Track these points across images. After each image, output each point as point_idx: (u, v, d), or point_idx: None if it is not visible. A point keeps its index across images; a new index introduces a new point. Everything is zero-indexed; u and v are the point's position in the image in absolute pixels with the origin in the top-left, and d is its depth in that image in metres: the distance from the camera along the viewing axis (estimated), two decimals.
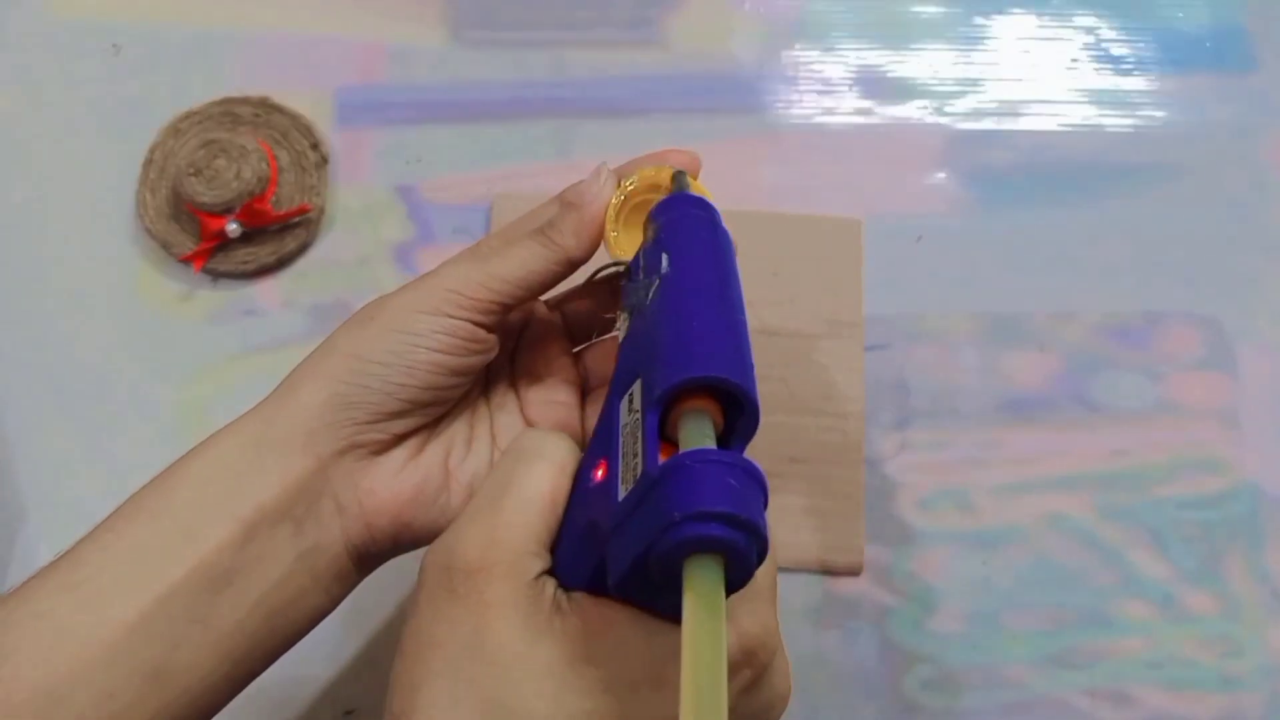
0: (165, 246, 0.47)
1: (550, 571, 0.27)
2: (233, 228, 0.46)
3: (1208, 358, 0.46)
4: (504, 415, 0.33)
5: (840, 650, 0.42)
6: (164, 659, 0.27)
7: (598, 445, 0.27)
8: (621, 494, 0.24)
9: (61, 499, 0.45)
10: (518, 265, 0.30)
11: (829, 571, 0.43)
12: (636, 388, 0.26)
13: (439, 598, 0.26)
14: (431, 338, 0.29)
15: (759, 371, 0.44)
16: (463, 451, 0.32)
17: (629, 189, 0.31)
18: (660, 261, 0.28)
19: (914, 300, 0.47)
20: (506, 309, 0.30)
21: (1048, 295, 0.47)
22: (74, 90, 0.51)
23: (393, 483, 0.31)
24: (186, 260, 0.47)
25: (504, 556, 0.26)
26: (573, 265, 0.31)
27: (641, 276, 0.29)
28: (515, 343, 0.34)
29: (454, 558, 0.26)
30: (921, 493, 0.44)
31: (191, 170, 0.46)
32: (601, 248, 0.31)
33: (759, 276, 0.47)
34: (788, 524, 0.43)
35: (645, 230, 0.30)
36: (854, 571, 0.43)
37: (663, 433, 0.24)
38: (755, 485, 0.22)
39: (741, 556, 0.21)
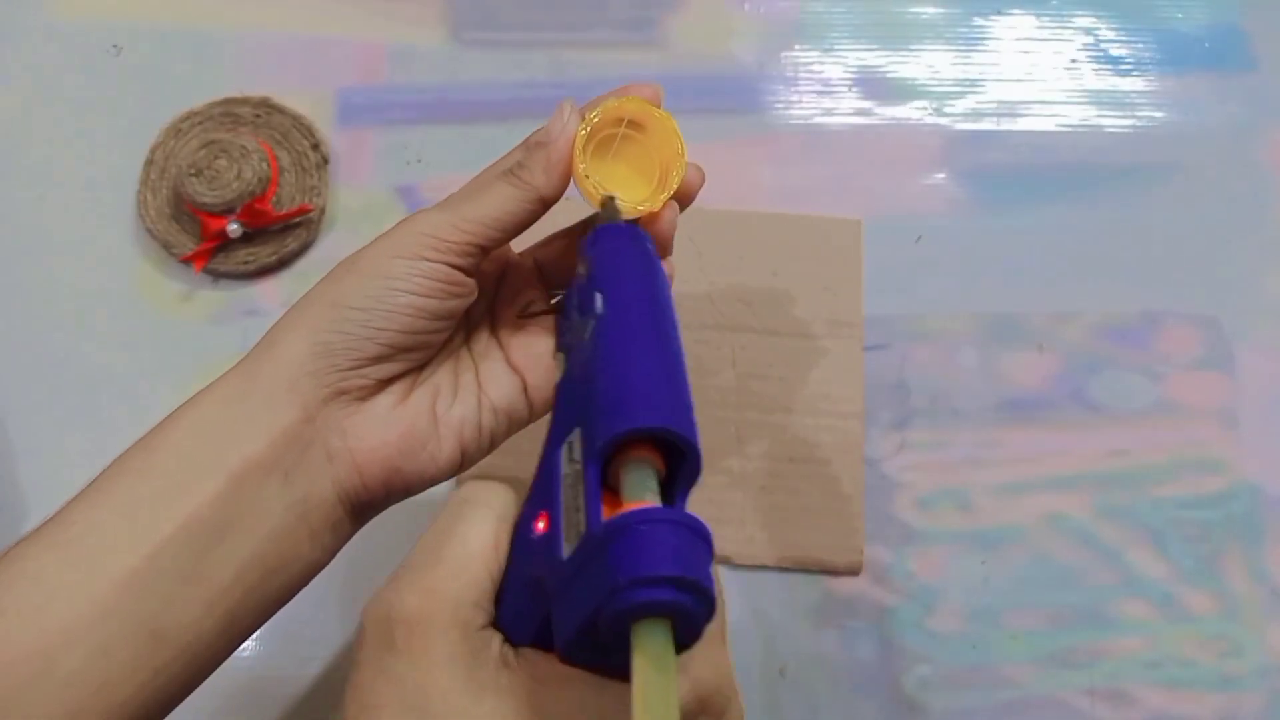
0: (166, 247, 0.48)
1: (494, 624, 0.26)
2: (234, 228, 0.46)
3: (1206, 358, 0.47)
4: (489, 364, 0.33)
5: (840, 649, 0.42)
6: (157, 616, 0.27)
7: (538, 495, 0.26)
8: (565, 550, 0.23)
9: (63, 499, 0.45)
10: (491, 207, 0.30)
11: (828, 571, 0.43)
12: (576, 437, 0.25)
13: (379, 652, 0.25)
14: (409, 281, 0.29)
15: (759, 371, 0.45)
16: (449, 398, 0.32)
17: (594, 122, 0.30)
18: (594, 301, 0.27)
19: (913, 300, 0.47)
20: (483, 251, 0.30)
21: (1047, 295, 0.47)
22: (75, 91, 0.51)
23: (381, 428, 0.30)
24: (187, 260, 0.47)
25: (445, 607, 0.25)
26: (545, 204, 0.31)
27: (576, 316, 0.28)
28: (494, 292, 0.34)
29: (393, 609, 0.25)
30: (921, 492, 0.44)
31: (192, 170, 0.46)
32: (573, 185, 0.31)
33: (759, 276, 0.47)
34: (787, 524, 0.43)
35: (578, 263, 0.30)
36: (854, 571, 0.43)
37: (605, 480, 0.24)
38: (701, 542, 0.22)
39: (690, 617, 0.21)
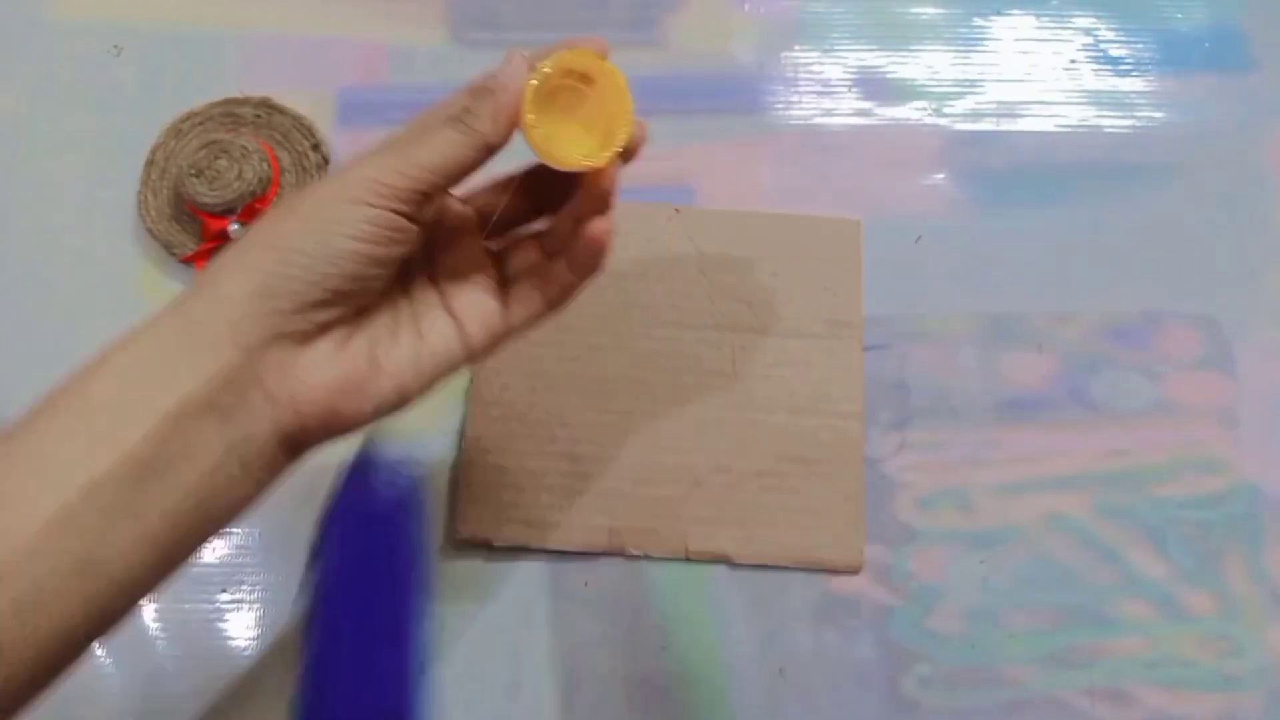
0: (167, 247, 0.48)
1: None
2: (234, 228, 0.46)
3: (1206, 357, 0.47)
4: (428, 309, 0.33)
5: (840, 649, 0.42)
6: (91, 550, 0.27)
7: None
8: None
9: None
10: (437, 153, 0.30)
11: (828, 570, 0.43)
12: None
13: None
14: (354, 226, 0.29)
15: (760, 371, 0.45)
16: (388, 343, 0.32)
17: (545, 72, 0.30)
18: (316, 583, 0.28)
19: (913, 300, 0.47)
20: (427, 198, 0.30)
21: (1046, 295, 0.47)
22: (75, 91, 0.51)
23: (321, 372, 0.31)
24: (188, 261, 0.47)
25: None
26: (490, 151, 0.30)
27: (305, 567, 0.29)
28: (432, 237, 0.34)
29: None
30: (921, 492, 0.45)
31: (193, 171, 0.46)
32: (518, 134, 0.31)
33: (759, 276, 0.47)
34: (787, 523, 0.43)
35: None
36: (853, 570, 0.43)
37: None
38: None
39: None
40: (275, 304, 0.29)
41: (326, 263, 0.29)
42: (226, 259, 0.30)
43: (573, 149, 0.31)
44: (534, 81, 0.30)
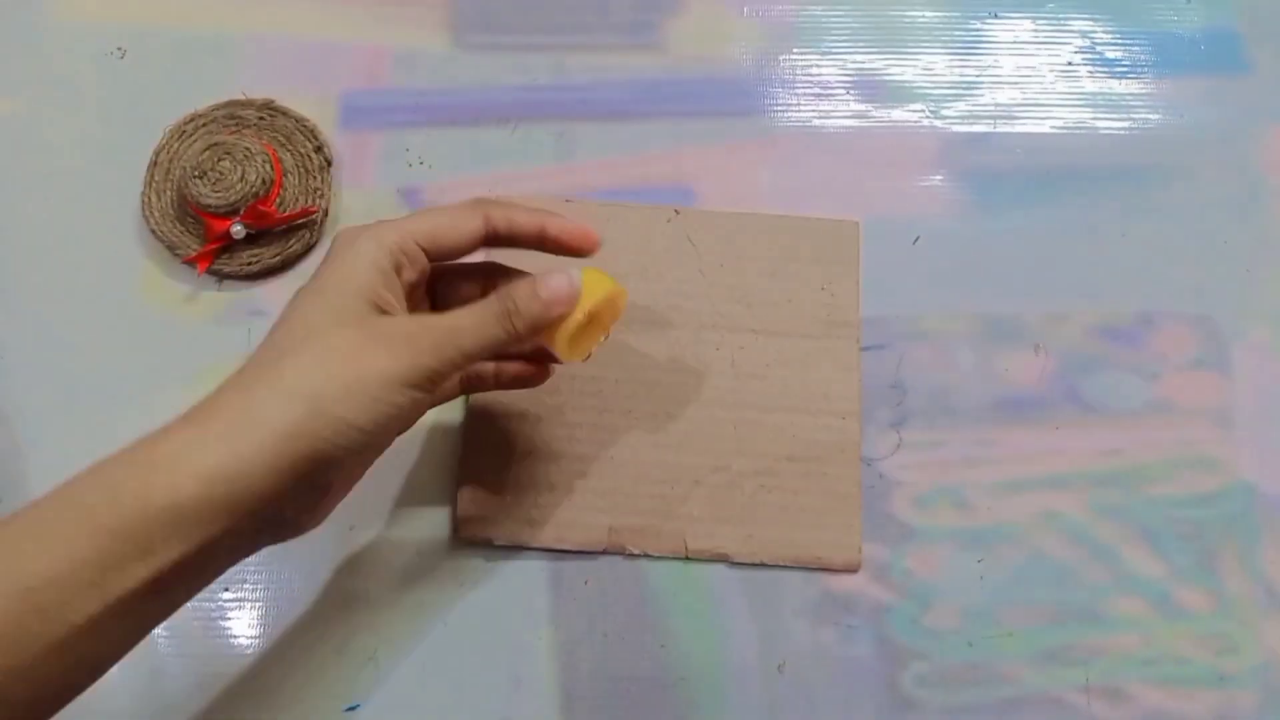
0: (170, 248, 0.48)
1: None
2: (237, 229, 0.47)
3: (1201, 357, 0.47)
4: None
5: (837, 647, 0.43)
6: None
7: None
8: None
9: None
10: (473, 339, 0.33)
11: (826, 569, 0.43)
12: None
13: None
14: (390, 406, 0.32)
15: (759, 371, 0.45)
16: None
17: (590, 310, 0.36)
18: None
19: (911, 301, 0.48)
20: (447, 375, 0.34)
21: (1043, 296, 0.48)
22: (79, 93, 0.51)
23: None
24: (191, 262, 0.47)
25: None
26: (517, 343, 0.35)
27: None
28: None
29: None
30: (918, 491, 0.45)
31: (196, 172, 0.47)
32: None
33: (757, 277, 0.47)
34: (785, 522, 0.44)
35: None
36: (851, 569, 0.44)
37: None
38: None
39: None
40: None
41: (374, 452, 0.34)
42: (268, 396, 0.31)
43: (578, 351, 0.37)
44: (580, 318, 0.35)
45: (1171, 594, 0.44)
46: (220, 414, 0.31)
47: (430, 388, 0.33)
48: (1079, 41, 0.53)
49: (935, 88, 0.52)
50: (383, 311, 0.33)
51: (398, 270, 0.34)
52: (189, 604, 0.32)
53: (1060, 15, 0.53)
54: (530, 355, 0.40)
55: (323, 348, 0.31)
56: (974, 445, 0.45)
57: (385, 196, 0.49)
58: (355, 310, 0.33)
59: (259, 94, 0.50)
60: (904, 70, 0.52)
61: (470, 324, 0.33)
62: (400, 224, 0.34)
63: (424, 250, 0.35)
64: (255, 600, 0.43)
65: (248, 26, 0.52)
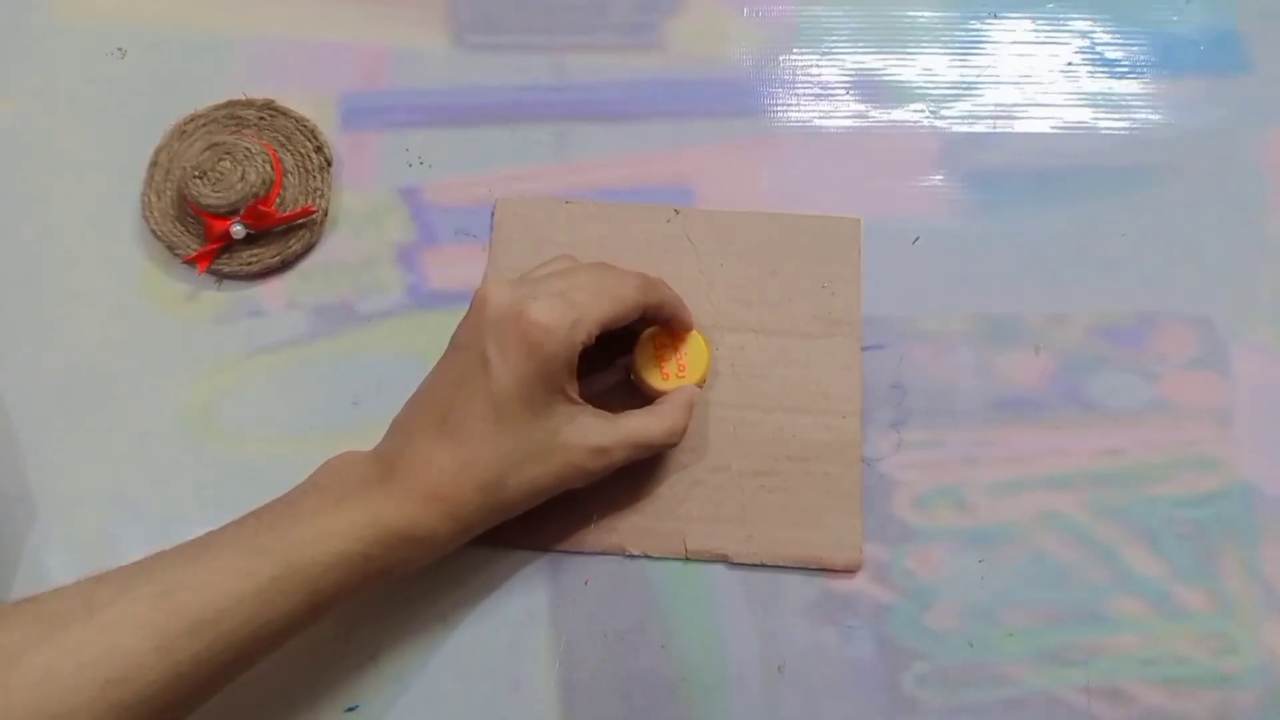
0: (170, 248, 0.48)
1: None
2: (237, 229, 0.47)
3: (1201, 357, 0.47)
4: None
5: (838, 647, 0.43)
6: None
7: None
8: None
9: (69, 499, 0.45)
10: (657, 440, 0.41)
11: (826, 569, 0.43)
12: None
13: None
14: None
15: (759, 370, 0.45)
16: None
17: (700, 379, 0.44)
18: None
19: (911, 301, 0.48)
20: None
21: (1043, 296, 0.48)
22: (79, 93, 0.51)
23: None
24: (191, 262, 0.47)
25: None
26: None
27: None
28: None
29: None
30: (918, 491, 0.45)
31: (197, 173, 0.47)
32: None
33: (758, 276, 0.47)
34: (785, 522, 0.44)
35: None
36: (851, 569, 0.44)
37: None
38: None
39: None
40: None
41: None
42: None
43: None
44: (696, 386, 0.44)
45: (1171, 594, 0.44)
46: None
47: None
48: (1079, 41, 0.53)
49: (935, 88, 0.52)
50: (569, 400, 0.38)
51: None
52: None
53: (1060, 15, 0.53)
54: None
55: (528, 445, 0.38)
56: (974, 445, 0.45)
57: (385, 196, 0.49)
58: (548, 403, 0.38)
59: (259, 94, 0.50)
60: (904, 70, 0.52)
61: (657, 430, 0.40)
62: (593, 315, 0.38)
63: None
64: None
65: (248, 26, 0.52)
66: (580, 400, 0.39)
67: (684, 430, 0.41)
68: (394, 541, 0.36)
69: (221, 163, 0.47)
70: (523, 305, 0.37)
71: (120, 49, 0.52)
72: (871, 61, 0.52)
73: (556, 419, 0.38)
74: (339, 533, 0.35)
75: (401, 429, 0.39)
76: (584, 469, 0.39)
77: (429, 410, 0.38)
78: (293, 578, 0.34)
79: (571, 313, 0.37)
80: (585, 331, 0.37)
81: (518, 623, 0.43)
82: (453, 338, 0.40)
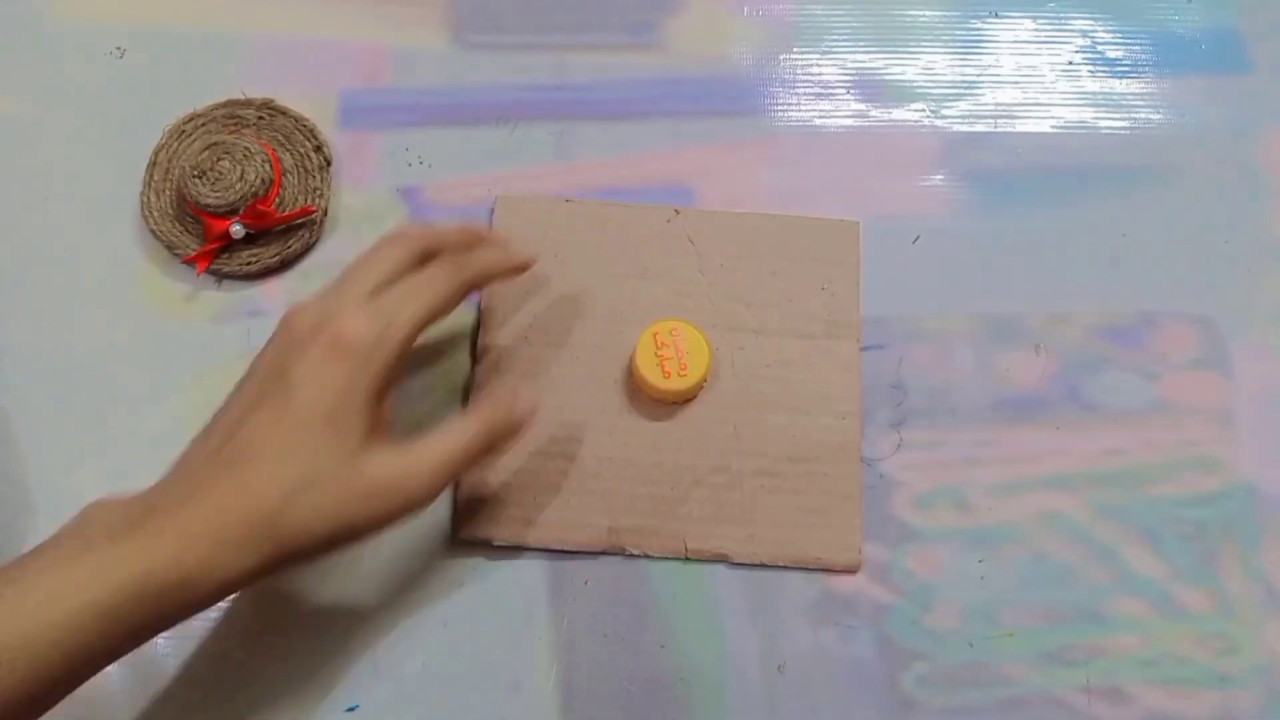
0: (169, 248, 0.48)
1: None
2: (237, 229, 0.46)
3: (1202, 357, 0.47)
4: None
5: (838, 647, 0.43)
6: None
7: None
8: None
9: (69, 498, 0.45)
10: (463, 462, 0.37)
11: (827, 569, 0.43)
12: None
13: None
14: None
15: (759, 371, 0.45)
16: None
17: (703, 378, 0.44)
18: None
19: (911, 301, 0.48)
20: None
21: (1043, 296, 0.48)
22: (78, 93, 0.51)
23: None
24: (191, 261, 0.47)
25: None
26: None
27: None
28: None
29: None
30: (918, 491, 0.45)
31: (196, 172, 0.47)
32: None
33: (758, 277, 0.47)
34: (786, 522, 0.44)
35: None
36: (852, 569, 0.44)
37: None
38: None
39: None
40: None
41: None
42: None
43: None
44: (698, 382, 0.44)
45: (1172, 594, 0.44)
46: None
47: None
48: (1080, 41, 0.53)
49: (936, 87, 0.52)
50: (377, 421, 0.36)
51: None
52: None
53: (1061, 14, 0.53)
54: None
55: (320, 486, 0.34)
56: (974, 445, 0.45)
57: (384, 196, 0.49)
58: (350, 423, 0.35)
59: (258, 94, 0.50)
60: (904, 70, 0.52)
61: (459, 448, 0.36)
62: (403, 318, 0.36)
63: None
64: (255, 600, 0.43)
65: (247, 26, 0.52)
66: (388, 423, 0.37)
67: (507, 416, 0.38)
68: (145, 594, 0.31)
69: (221, 162, 0.47)
70: (329, 318, 0.35)
71: (119, 48, 0.52)
72: (872, 61, 0.52)
73: (354, 440, 0.34)
74: (70, 593, 0.30)
75: (176, 463, 0.35)
76: (381, 501, 0.35)
77: (208, 439, 0.35)
78: (18, 651, 0.29)
79: (380, 318, 0.35)
80: (400, 334, 0.36)
81: (517, 623, 0.43)
82: (251, 365, 0.37)
